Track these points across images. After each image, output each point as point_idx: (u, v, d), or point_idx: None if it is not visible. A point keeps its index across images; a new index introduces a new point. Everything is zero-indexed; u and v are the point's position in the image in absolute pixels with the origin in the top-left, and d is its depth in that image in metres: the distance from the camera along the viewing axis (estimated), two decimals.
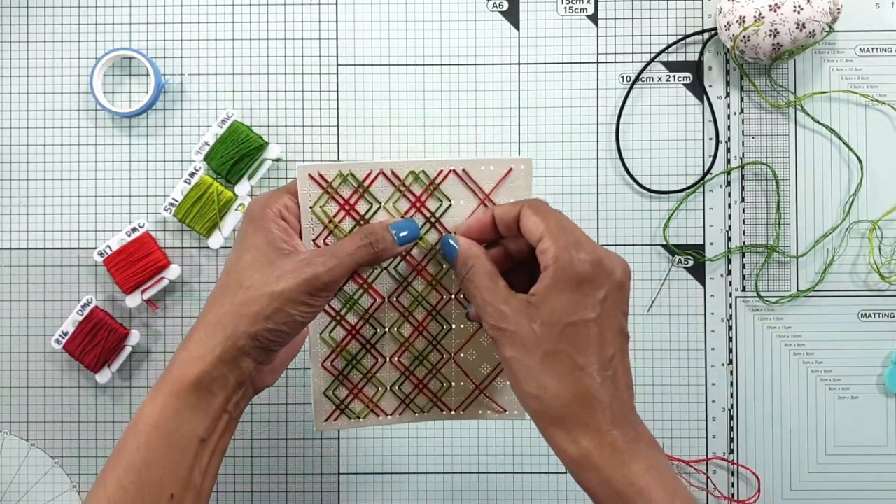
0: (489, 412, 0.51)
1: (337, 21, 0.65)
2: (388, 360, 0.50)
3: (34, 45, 0.65)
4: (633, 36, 0.65)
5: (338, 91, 0.65)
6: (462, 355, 0.50)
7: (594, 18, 0.65)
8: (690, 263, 0.65)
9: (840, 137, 0.64)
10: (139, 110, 0.64)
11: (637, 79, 0.65)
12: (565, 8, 0.65)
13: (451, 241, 0.45)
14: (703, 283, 0.65)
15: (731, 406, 0.64)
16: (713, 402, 0.64)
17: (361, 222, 0.47)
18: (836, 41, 0.65)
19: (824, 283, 0.64)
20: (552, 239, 0.41)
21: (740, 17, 0.60)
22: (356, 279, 0.48)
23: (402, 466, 0.64)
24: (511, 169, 0.47)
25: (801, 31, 0.59)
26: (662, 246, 0.65)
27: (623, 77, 0.65)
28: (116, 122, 0.65)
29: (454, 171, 0.47)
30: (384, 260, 0.46)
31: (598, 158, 0.65)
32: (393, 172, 0.47)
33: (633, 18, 0.65)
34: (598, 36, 0.65)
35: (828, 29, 0.60)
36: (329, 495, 0.64)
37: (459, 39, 0.65)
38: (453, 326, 0.49)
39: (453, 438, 0.64)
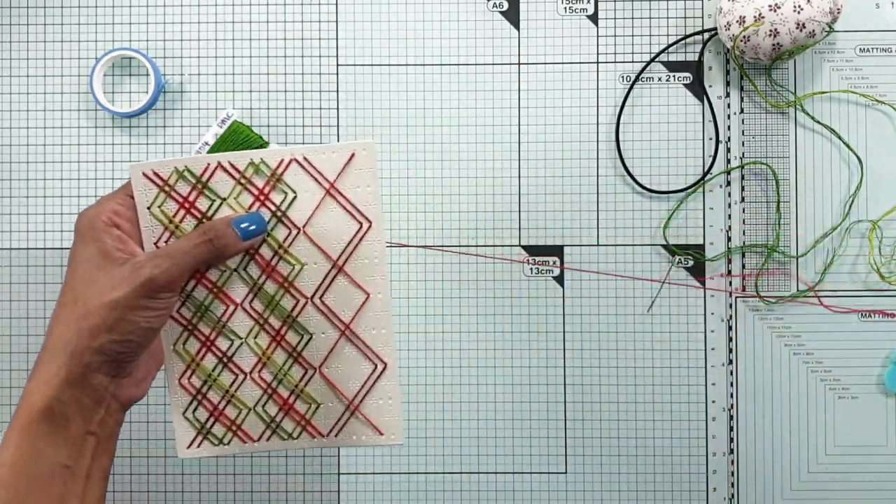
0: (364, 436, 0.46)
1: (337, 21, 0.65)
2: (247, 375, 0.46)
3: (34, 45, 0.65)
4: (633, 36, 0.65)
5: (338, 91, 0.65)
6: (328, 368, 0.46)
7: (594, 18, 0.65)
8: (690, 263, 0.65)
9: (840, 137, 0.64)
10: (139, 110, 0.64)
11: (637, 79, 0.65)
12: (565, 8, 0.65)
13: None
14: (703, 283, 0.65)
15: (731, 406, 0.64)
16: (713, 402, 0.64)
17: (203, 220, 0.45)
18: (836, 41, 0.65)
19: (825, 283, 0.64)
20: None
21: (740, 17, 0.60)
22: (204, 282, 0.45)
23: (402, 466, 0.64)
24: (353, 154, 0.45)
25: (801, 31, 0.59)
26: (662, 246, 0.65)
27: (623, 77, 0.65)
28: (116, 122, 0.65)
29: (295, 159, 0.45)
30: (228, 257, 0.44)
31: (598, 158, 0.65)
32: (231, 164, 0.45)
33: (633, 18, 0.65)
34: (598, 36, 0.65)
35: (828, 29, 0.60)
36: (329, 495, 0.64)
37: (459, 39, 0.65)
38: (314, 335, 0.46)
39: (453, 438, 0.64)
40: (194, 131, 0.65)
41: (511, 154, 0.65)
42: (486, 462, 0.64)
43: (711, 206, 0.65)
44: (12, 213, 0.65)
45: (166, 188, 0.45)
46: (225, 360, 0.46)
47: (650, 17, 0.65)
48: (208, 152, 0.63)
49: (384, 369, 0.46)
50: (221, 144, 0.63)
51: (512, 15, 0.65)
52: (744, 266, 0.65)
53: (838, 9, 0.60)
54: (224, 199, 0.45)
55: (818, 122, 0.64)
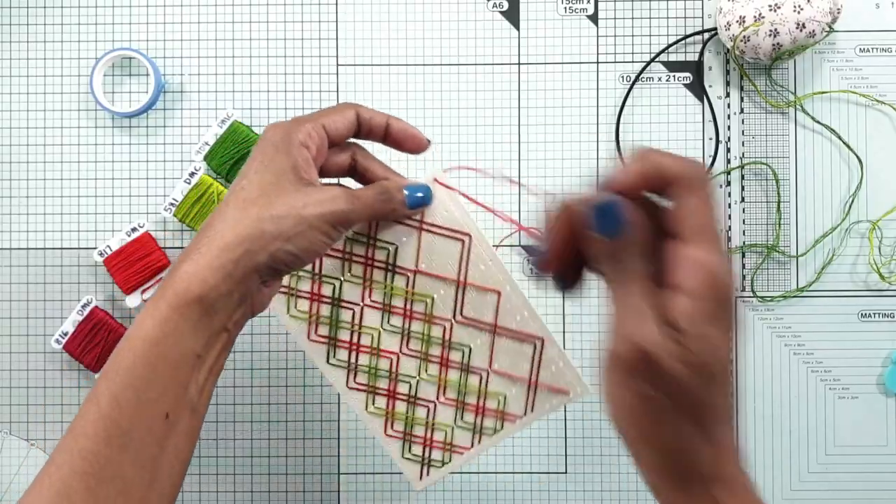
0: (555, 401, 0.50)
1: (337, 21, 0.65)
2: (436, 402, 0.51)
3: (34, 45, 0.65)
4: (633, 36, 0.65)
5: (338, 91, 0.65)
6: (497, 366, 0.50)
7: (594, 18, 0.65)
8: None
9: (840, 137, 0.64)
10: (139, 110, 0.64)
11: (637, 79, 0.65)
12: (565, 8, 0.65)
13: (617, 211, 0.35)
14: None
15: (731, 406, 0.64)
16: None
17: (336, 302, 0.49)
18: (836, 41, 0.65)
19: (824, 283, 0.64)
20: (708, 247, 0.32)
21: (740, 17, 0.60)
22: (362, 350, 0.50)
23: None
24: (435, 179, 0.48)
25: (801, 31, 0.59)
26: None
27: (623, 77, 0.65)
28: (116, 122, 0.65)
29: None
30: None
31: (598, 158, 0.65)
32: (333, 248, 0.48)
33: (633, 18, 0.65)
34: (598, 36, 0.65)
35: (828, 29, 0.60)
36: (329, 495, 0.64)
37: (459, 39, 0.65)
38: (471, 346, 0.50)
39: None
40: (194, 131, 0.65)
41: (511, 154, 0.65)
42: (486, 462, 0.64)
43: None
44: (12, 213, 0.65)
45: (291, 291, 0.50)
46: (411, 399, 0.51)
47: (650, 17, 0.65)
48: (206, 155, 0.63)
49: (542, 343, 0.49)
50: (221, 144, 0.63)
51: (512, 15, 0.65)
52: (744, 266, 0.65)
53: (838, 9, 0.60)
54: (342, 279, 0.49)
55: (818, 122, 0.64)
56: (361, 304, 0.50)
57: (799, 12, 0.59)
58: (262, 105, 0.65)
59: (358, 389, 0.50)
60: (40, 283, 0.65)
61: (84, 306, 0.62)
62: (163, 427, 0.40)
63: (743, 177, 0.65)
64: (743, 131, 0.65)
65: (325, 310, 0.50)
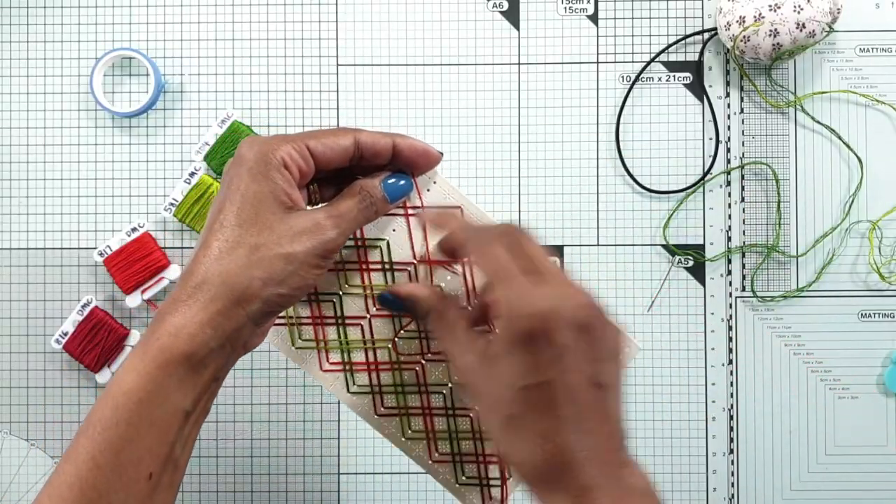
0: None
1: (337, 21, 0.65)
2: (429, 463, 0.45)
3: (34, 45, 0.65)
4: (633, 36, 0.65)
5: (338, 91, 0.65)
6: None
7: (594, 18, 0.65)
8: (690, 263, 0.65)
9: (840, 137, 0.64)
10: (139, 110, 0.64)
11: (637, 79, 0.65)
12: (565, 8, 0.65)
13: (388, 296, 0.43)
14: (703, 283, 0.65)
15: (731, 406, 0.64)
16: (713, 402, 0.64)
17: (341, 321, 0.45)
18: (836, 41, 0.65)
19: (824, 283, 0.64)
20: (499, 286, 0.37)
21: (740, 17, 0.60)
22: (381, 367, 0.45)
23: (402, 466, 0.64)
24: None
25: (801, 31, 0.59)
26: (662, 246, 0.65)
27: (623, 77, 0.65)
28: (116, 122, 0.65)
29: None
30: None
31: (598, 158, 0.65)
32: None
33: (633, 18, 0.65)
34: (598, 36, 0.65)
35: (828, 29, 0.60)
36: (329, 495, 0.64)
37: (459, 39, 0.65)
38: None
39: None
40: (194, 131, 0.65)
41: (511, 154, 0.65)
42: None
43: (711, 206, 0.65)
44: (12, 213, 0.65)
45: (292, 321, 0.45)
46: (450, 412, 0.45)
47: (650, 17, 0.65)
48: (206, 155, 0.63)
49: None
50: (221, 144, 0.63)
51: (512, 15, 0.65)
52: (744, 266, 0.65)
53: (838, 9, 0.60)
54: (341, 294, 0.45)
55: (818, 122, 0.64)
56: (368, 315, 0.45)
57: (799, 12, 0.59)
58: (262, 105, 0.65)
59: (389, 415, 0.45)
60: (40, 283, 0.65)
61: (84, 306, 0.62)
62: (145, 488, 0.38)
63: (743, 177, 0.65)
64: (743, 131, 0.65)
65: (332, 332, 0.45)
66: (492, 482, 0.44)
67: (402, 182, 0.43)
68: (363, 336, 0.45)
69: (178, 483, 0.40)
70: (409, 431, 0.45)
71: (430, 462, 0.45)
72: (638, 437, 0.64)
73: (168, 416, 0.38)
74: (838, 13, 0.60)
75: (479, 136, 0.65)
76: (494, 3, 0.65)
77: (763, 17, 0.59)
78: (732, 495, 0.64)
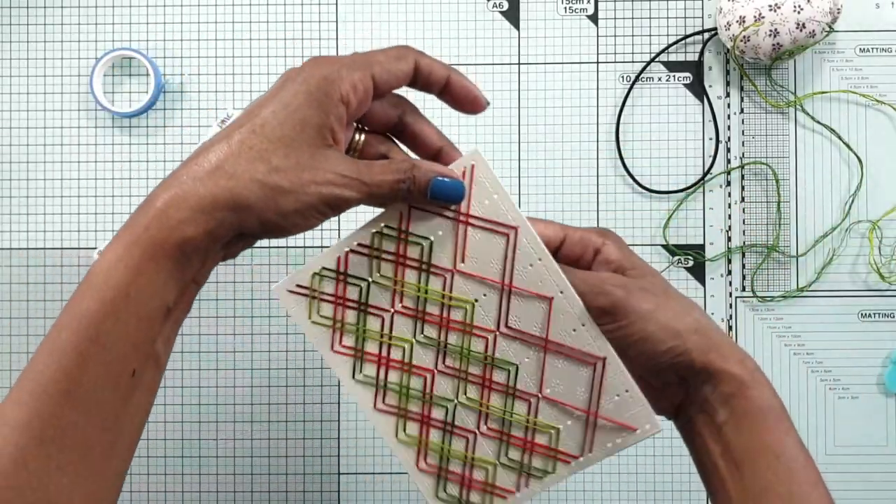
0: (619, 440, 0.43)
1: (337, 21, 0.65)
2: (477, 433, 0.44)
3: (34, 45, 0.65)
4: (633, 36, 0.65)
5: None
6: (548, 391, 0.43)
7: (594, 18, 0.65)
8: (690, 263, 0.65)
9: (840, 137, 0.64)
10: (139, 110, 0.64)
11: (637, 79, 0.65)
12: (565, 8, 0.65)
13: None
14: (703, 283, 0.65)
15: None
16: None
17: (362, 307, 0.43)
18: (836, 41, 0.65)
19: (824, 283, 0.64)
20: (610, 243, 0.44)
21: (740, 17, 0.60)
22: (392, 364, 0.44)
23: (402, 467, 0.64)
24: (464, 171, 0.42)
25: (801, 31, 0.59)
26: (662, 246, 0.65)
27: (623, 77, 0.65)
28: (116, 122, 0.65)
29: (412, 207, 0.42)
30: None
31: (598, 158, 0.65)
32: (360, 245, 0.43)
33: (633, 18, 0.65)
34: (598, 36, 0.65)
35: (828, 29, 0.60)
36: (329, 495, 0.64)
37: (459, 39, 0.65)
38: (518, 364, 0.43)
39: None
40: (194, 131, 0.65)
41: (511, 154, 0.65)
42: None
43: (711, 206, 0.65)
44: (12, 213, 0.65)
45: (314, 293, 0.43)
46: (448, 428, 0.44)
47: (650, 17, 0.65)
48: None
49: (604, 364, 0.42)
50: None
51: (512, 15, 0.65)
52: (744, 266, 0.65)
53: (838, 9, 0.60)
54: (370, 280, 0.43)
55: (818, 122, 0.64)
56: (392, 310, 0.43)
57: (799, 12, 0.59)
58: None
59: (387, 412, 0.44)
60: (40, 283, 0.65)
61: None
62: (128, 384, 0.37)
63: (743, 177, 0.65)
64: (743, 131, 0.65)
65: (351, 316, 0.43)
66: (471, 502, 0.44)
67: (454, 185, 0.41)
68: (381, 329, 0.43)
69: (157, 384, 0.39)
70: (403, 434, 0.44)
71: (415, 468, 0.44)
72: None
73: (154, 310, 0.37)
74: (838, 13, 0.60)
75: (479, 136, 0.65)
76: (494, 3, 0.65)
77: (763, 17, 0.59)
78: None
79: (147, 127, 0.65)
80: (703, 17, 0.65)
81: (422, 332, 0.43)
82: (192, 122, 0.65)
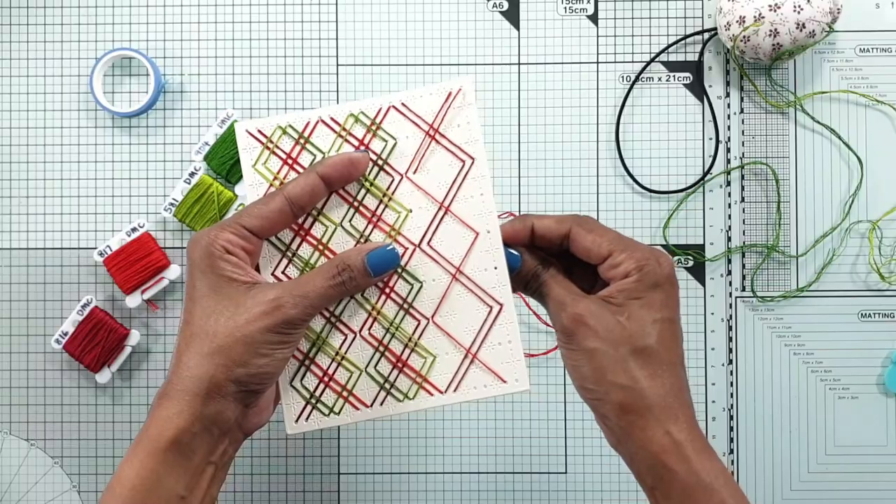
0: (486, 386, 0.44)
1: (337, 21, 0.65)
2: (357, 334, 0.45)
3: (34, 45, 0.65)
4: (633, 36, 0.65)
5: (338, 91, 0.65)
6: (441, 317, 0.44)
7: (594, 18, 0.65)
8: (690, 263, 0.65)
9: (840, 137, 0.64)
10: (139, 110, 0.64)
11: (637, 79, 0.65)
12: (565, 8, 0.65)
13: (513, 252, 0.44)
14: (703, 283, 0.65)
15: (731, 406, 0.64)
16: (713, 402, 0.64)
17: (329, 321, 0.45)
18: (836, 41, 0.65)
19: (824, 283, 0.64)
20: (627, 251, 0.42)
21: (740, 17, 0.60)
22: (309, 239, 0.45)
23: (402, 466, 0.64)
24: (450, 94, 0.44)
25: (801, 31, 0.59)
26: (662, 246, 0.65)
27: (623, 77, 0.65)
28: (116, 122, 0.65)
29: (393, 106, 0.45)
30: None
31: (598, 158, 0.65)
32: (332, 119, 0.45)
33: (633, 18, 0.65)
34: (598, 36, 0.65)
35: (828, 29, 0.60)
36: (329, 495, 0.64)
37: (459, 39, 0.65)
38: (423, 282, 0.44)
39: (453, 438, 0.64)
40: (194, 131, 0.65)
41: (511, 154, 0.65)
42: (486, 462, 0.64)
43: (711, 206, 0.65)
44: (12, 213, 0.65)
45: (270, 145, 0.45)
46: (333, 319, 0.45)
47: (650, 17, 0.65)
48: (206, 155, 0.63)
49: (500, 310, 0.44)
50: (221, 144, 0.63)
51: (512, 15, 0.65)
52: (744, 266, 0.65)
53: (838, 9, 0.60)
54: (325, 154, 0.45)
55: (818, 122, 0.64)
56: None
57: (799, 12, 0.59)
58: (262, 105, 0.65)
59: (279, 280, 0.44)
60: (40, 283, 0.65)
61: (84, 306, 0.62)
62: None
63: (743, 177, 0.65)
64: (743, 131, 0.65)
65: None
66: (318, 407, 0.45)
67: (388, 254, 0.43)
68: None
69: None
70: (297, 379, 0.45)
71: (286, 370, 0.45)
72: None
73: (163, 500, 0.41)
74: (838, 13, 0.60)
75: None
76: (494, 3, 0.65)
77: (763, 17, 0.59)
78: None
79: (147, 127, 0.65)
80: (703, 17, 0.65)
81: (350, 220, 0.45)
82: (192, 122, 0.65)
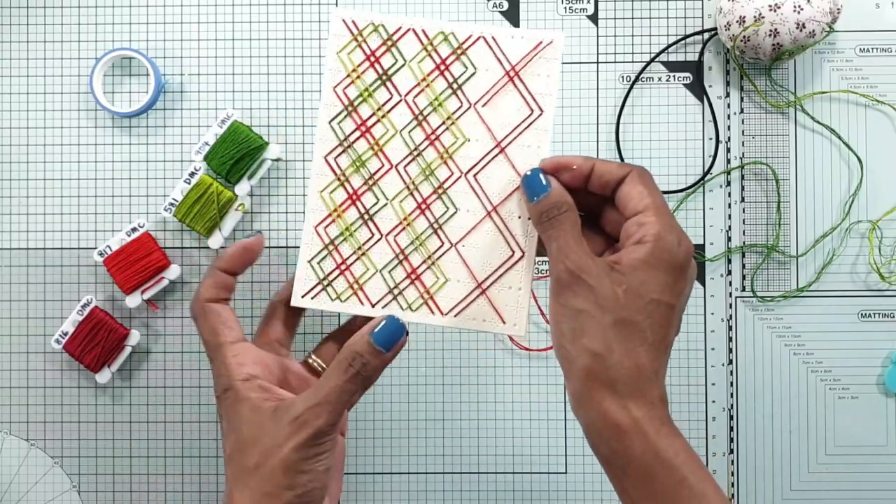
0: (485, 321, 0.46)
1: None
2: (384, 236, 0.47)
3: (34, 45, 0.65)
4: (633, 36, 0.65)
5: None
6: (464, 246, 0.46)
7: (594, 18, 0.65)
8: None
9: (840, 137, 0.64)
10: (139, 110, 0.64)
11: (637, 79, 0.65)
12: (565, 8, 0.65)
13: (541, 177, 0.43)
14: (703, 283, 0.65)
15: (731, 406, 0.64)
16: (713, 402, 0.64)
17: (383, 77, 0.46)
18: (836, 41, 0.65)
19: (824, 283, 0.64)
20: (657, 216, 0.41)
21: (740, 17, 0.60)
22: (367, 136, 0.47)
23: (402, 466, 0.64)
24: (540, 43, 0.45)
25: (801, 31, 0.59)
26: None
27: (623, 77, 0.65)
28: (116, 122, 0.65)
29: (483, 37, 0.46)
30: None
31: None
32: (423, 30, 0.46)
33: (633, 18, 0.65)
34: (598, 36, 0.65)
35: (828, 29, 0.60)
36: None
37: None
38: (458, 209, 0.46)
39: (453, 438, 0.64)
40: (194, 131, 0.65)
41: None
42: (486, 462, 0.64)
43: (711, 206, 0.65)
44: (12, 213, 0.65)
45: (359, 38, 0.46)
46: (367, 216, 0.47)
47: (650, 17, 0.65)
48: (206, 155, 0.63)
49: (521, 258, 0.46)
50: (221, 144, 0.63)
51: (512, 15, 0.65)
52: (744, 266, 0.65)
53: (838, 9, 0.60)
54: (406, 62, 0.46)
55: (818, 122, 0.64)
56: (402, 97, 0.47)
57: (799, 12, 0.59)
58: (262, 105, 0.65)
59: (332, 169, 0.47)
60: (40, 283, 0.65)
61: (84, 306, 0.62)
62: None
63: (743, 177, 0.65)
64: (743, 131, 0.65)
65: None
66: (328, 290, 0.47)
67: (392, 326, 0.44)
68: (380, 105, 0.46)
69: None
70: (328, 195, 0.47)
71: (312, 227, 0.47)
72: None
73: None
74: (838, 13, 0.60)
75: None
76: (494, 3, 0.65)
77: (763, 17, 0.59)
78: (732, 495, 0.64)
79: (147, 127, 0.65)
80: (703, 17, 0.65)
81: (410, 131, 0.46)
82: (192, 122, 0.65)
